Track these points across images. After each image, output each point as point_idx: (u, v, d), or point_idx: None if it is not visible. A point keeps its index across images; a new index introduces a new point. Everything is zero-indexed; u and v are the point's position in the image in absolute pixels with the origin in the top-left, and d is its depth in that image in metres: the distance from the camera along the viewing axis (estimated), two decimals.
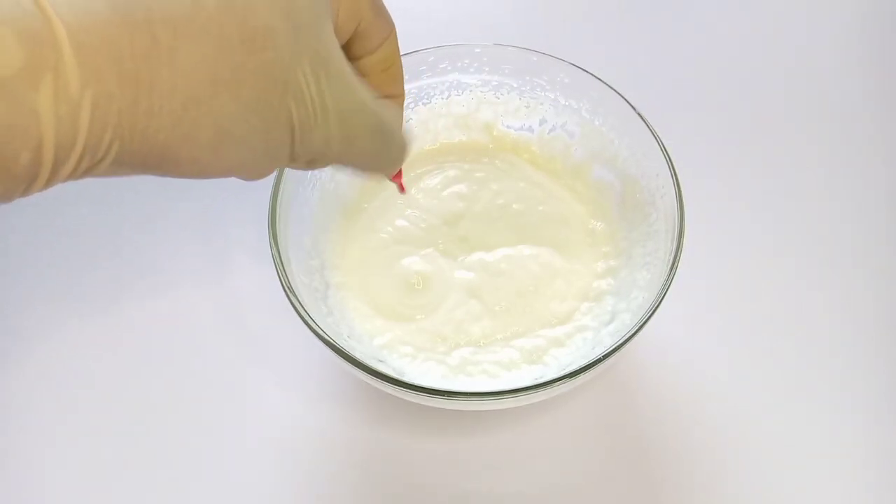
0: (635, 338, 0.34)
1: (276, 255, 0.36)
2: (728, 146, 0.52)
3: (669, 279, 0.35)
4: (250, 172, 0.25)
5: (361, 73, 0.30)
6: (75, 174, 0.20)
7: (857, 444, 0.41)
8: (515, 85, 0.45)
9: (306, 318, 0.34)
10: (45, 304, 0.45)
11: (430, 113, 0.46)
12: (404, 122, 0.34)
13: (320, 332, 0.34)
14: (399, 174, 0.36)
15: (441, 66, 0.45)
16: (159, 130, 0.21)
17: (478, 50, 0.44)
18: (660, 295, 0.35)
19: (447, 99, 0.46)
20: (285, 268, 0.36)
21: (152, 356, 0.43)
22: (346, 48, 0.29)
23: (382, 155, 0.30)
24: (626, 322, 0.37)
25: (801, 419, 0.41)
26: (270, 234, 0.36)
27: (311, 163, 0.26)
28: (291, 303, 0.35)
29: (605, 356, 0.34)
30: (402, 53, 0.43)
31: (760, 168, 0.51)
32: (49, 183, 0.20)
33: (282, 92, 0.23)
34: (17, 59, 0.17)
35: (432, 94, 0.46)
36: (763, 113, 0.54)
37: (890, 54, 0.57)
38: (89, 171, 0.20)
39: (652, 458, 0.40)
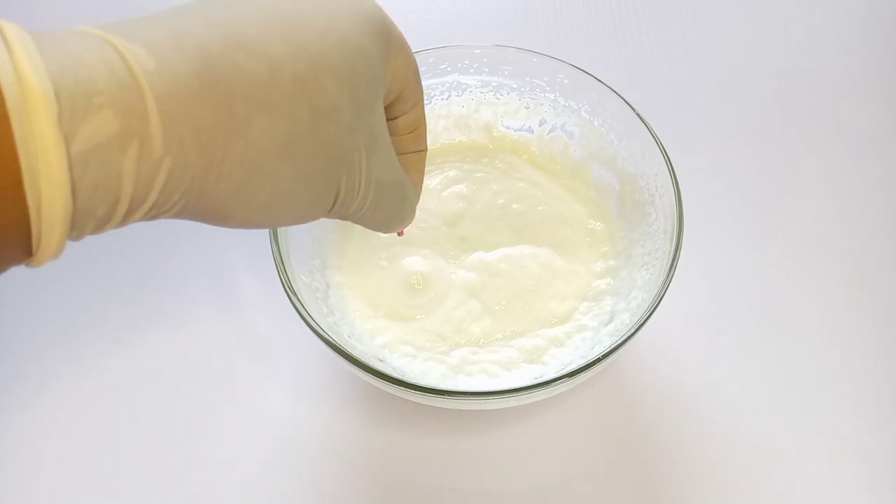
0: (634, 337, 0.34)
1: (277, 254, 0.36)
2: (727, 146, 0.52)
3: (668, 279, 0.35)
4: (288, 225, 0.27)
5: (392, 133, 0.32)
6: (144, 219, 0.22)
7: (858, 444, 0.41)
8: (515, 86, 0.46)
9: (307, 317, 0.35)
10: (46, 306, 0.45)
11: (430, 114, 0.47)
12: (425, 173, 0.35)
13: (321, 331, 0.34)
14: None
15: (441, 66, 0.45)
16: (223, 192, 0.22)
17: (478, 51, 0.44)
18: (659, 295, 0.35)
19: (447, 100, 0.46)
20: (286, 267, 0.36)
21: (152, 356, 0.43)
22: (391, 107, 0.30)
23: (397, 219, 0.32)
24: (626, 322, 0.37)
25: (800, 418, 0.42)
26: (271, 234, 0.36)
27: (334, 215, 0.28)
28: (292, 303, 0.35)
29: (605, 356, 0.34)
30: None
31: (759, 168, 0.51)
32: (118, 226, 0.21)
33: (337, 164, 0.25)
34: (111, 128, 0.19)
35: (432, 94, 0.46)
36: (762, 113, 0.54)
37: (890, 54, 0.57)
38: (153, 219, 0.22)
39: (651, 457, 0.40)
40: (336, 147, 0.24)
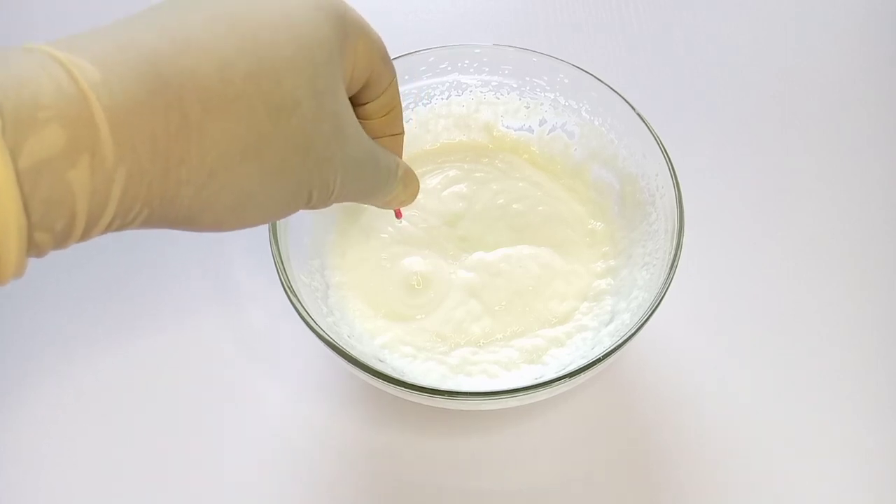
0: (635, 338, 0.34)
1: (277, 254, 0.36)
2: (727, 146, 0.52)
3: (669, 279, 0.35)
4: (266, 222, 0.27)
5: (365, 117, 0.32)
6: (107, 231, 0.22)
7: (858, 444, 0.41)
8: (515, 85, 0.45)
9: (306, 318, 0.35)
10: (46, 306, 0.45)
11: (430, 113, 0.47)
12: (404, 150, 0.36)
13: (320, 331, 0.34)
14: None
15: (441, 66, 0.45)
16: (185, 197, 0.22)
17: (478, 50, 0.44)
18: (659, 295, 0.35)
19: (447, 99, 0.46)
20: (286, 268, 0.36)
21: (152, 356, 0.43)
22: (354, 96, 0.30)
23: (376, 190, 0.32)
24: (626, 322, 0.37)
25: (800, 418, 0.42)
26: (271, 234, 0.36)
27: (313, 207, 0.28)
28: (292, 303, 0.35)
29: (605, 356, 0.34)
30: (402, 54, 0.43)
31: (760, 168, 0.51)
32: (81, 240, 0.21)
33: (303, 157, 0.24)
34: (59, 141, 0.19)
35: (432, 94, 0.46)
36: (763, 113, 0.54)
37: (890, 54, 0.57)
38: (120, 230, 0.22)
39: (651, 457, 0.40)
40: (299, 138, 0.24)
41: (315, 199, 0.26)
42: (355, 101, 0.31)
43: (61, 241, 0.20)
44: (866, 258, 0.47)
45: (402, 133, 0.34)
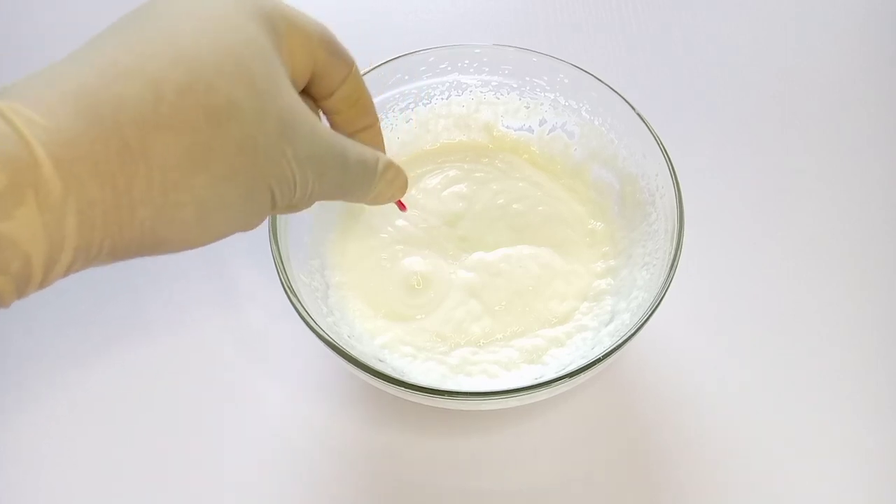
0: (635, 338, 0.34)
1: (277, 254, 0.36)
2: (727, 146, 0.52)
3: (669, 279, 0.35)
4: (239, 230, 0.26)
5: (330, 112, 0.32)
6: (73, 270, 0.22)
7: (858, 444, 0.41)
8: (515, 85, 0.45)
9: (306, 317, 0.35)
10: (46, 306, 0.45)
11: (430, 113, 0.47)
12: (385, 144, 0.35)
13: (320, 331, 0.34)
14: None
15: (441, 66, 0.45)
16: (145, 219, 0.22)
17: (478, 50, 0.44)
18: (659, 295, 0.35)
19: (447, 99, 0.46)
20: (285, 267, 0.36)
21: (151, 356, 0.43)
22: (310, 91, 0.30)
23: (356, 186, 0.31)
24: (626, 322, 0.37)
25: (800, 418, 0.42)
26: (271, 234, 0.36)
27: (293, 207, 0.28)
28: (292, 303, 0.35)
29: (605, 356, 0.34)
30: (402, 54, 0.43)
31: (760, 168, 0.51)
32: (44, 283, 0.21)
33: (252, 158, 0.24)
34: (0, 182, 0.19)
35: (432, 94, 0.46)
36: (763, 113, 0.54)
37: (890, 54, 0.57)
38: (89, 265, 0.22)
39: (651, 457, 0.40)
40: (244, 141, 0.24)
41: (280, 199, 0.26)
42: (314, 96, 0.31)
43: (22, 284, 0.20)
44: (866, 258, 0.47)
45: (374, 124, 0.33)
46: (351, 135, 0.33)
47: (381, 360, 0.39)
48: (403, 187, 0.35)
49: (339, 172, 0.29)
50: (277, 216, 0.37)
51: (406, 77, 0.44)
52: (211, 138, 0.23)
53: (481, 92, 0.46)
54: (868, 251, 0.47)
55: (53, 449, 0.41)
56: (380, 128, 0.34)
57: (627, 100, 0.41)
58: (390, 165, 0.33)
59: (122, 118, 0.21)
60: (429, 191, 0.45)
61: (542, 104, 0.46)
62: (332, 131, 0.29)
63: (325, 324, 0.36)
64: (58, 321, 0.44)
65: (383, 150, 0.34)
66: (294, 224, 0.39)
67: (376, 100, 0.44)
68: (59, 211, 0.20)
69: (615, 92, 0.42)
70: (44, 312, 0.45)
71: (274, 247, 0.36)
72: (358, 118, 0.32)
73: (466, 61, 0.45)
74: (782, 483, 0.40)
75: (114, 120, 0.21)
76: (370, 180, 0.32)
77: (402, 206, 0.39)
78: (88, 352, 0.43)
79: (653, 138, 0.40)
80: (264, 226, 0.37)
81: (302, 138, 0.26)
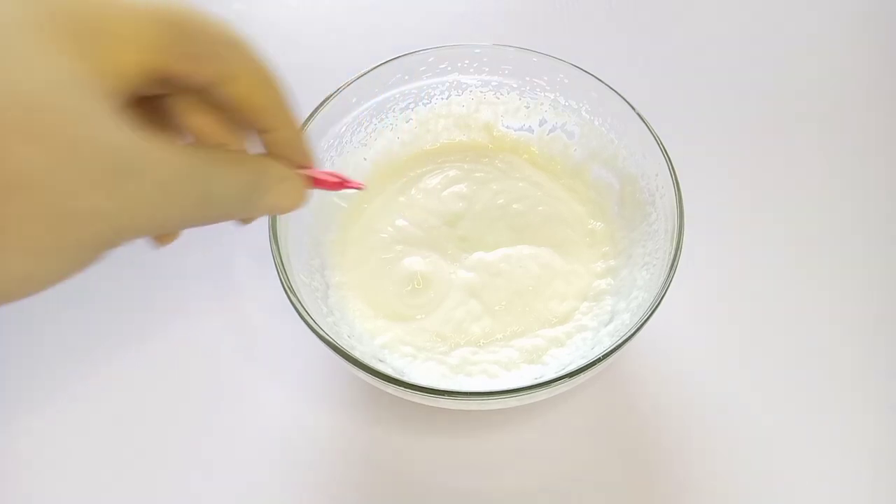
0: (635, 338, 0.34)
1: (277, 254, 0.36)
2: (727, 146, 0.52)
3: (669, 279, 0.35)
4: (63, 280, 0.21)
5: (223, 111, 0.27)
6: None
7: (858, 445, 0.41)
8: (515, 85, 0.45)
9: (306, 317, 0.35)
10: (46, 306, 0.45)
11: (430, 113, 0.47)
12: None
13: (320, 331, 0.34)
14: (341, 182, 0.32)
15: (441, 66, 0.45)
16: None
17: (478, 50, 0.44)
18: (659, 295, 0.35)
19: (447, 99, 0.46)
20: (285, 267, 0.36)
21: (150, 357, 0.43)
22: (172, 81, 0.24)
23: (229, 213, 0.26)
24: (626, 322, 0.37)
25: (800, 419, 0.42)
26: (271, 234, 0.36)
27: (143, 236, 0.23)
28: (292, 302, 0.35)
29: (605, 356, 0.34)
30: (402, 54, 0.43)
31: (760, 168, 0.51)
32: None
33: (63, 228, 0.20)
34: None
35: (432, 94, 0.46)
36: (763, 113, 0.54)
37: (890, 54, 0.57)
38: None
39: (651, 457, 0.40)
40: (53, 210, 0.19)
41: (120, 242, 0.22)
42: (190, 86, 0.25)
43: None
44: (866, 258, 0.47)
45: (276, 131, 0.27)
46: (259, 136, 0.28)
47: (381, 360, 0.39)
48: (297, 196, 0.29)
49: (189, 211, 0.24)
50: (277, 217, 0.37)
51: (406, 77, 0.44)
52: (5, 215, 0.18)
53: (481, 92, 0.46)
54: (868, 251, 0.47)
55: (53, 450, 0.41)
56: (290, 136, 0.28)
57: (627, 100, 0.41)
58: (282, 185, 0.28)
59: None
60: (429, 191, 0.45)
61: (542, 104, 0.46)
62: (191, 159, 0.23)
63: (325, 324, 0.36)
64: (57, 322, 0.44)
65: (292, 162, 0.29)
66: (294, 224, 0.39)
67: (376, 100, 0.44)
68: None
69: (615, 92, 0.42)
70: (44, 313, 0.45)
71: (274, 247, 0.36)
72: (256, 123, 0.27)
73: (466, 61, 0.45)
74: (782, 483, 0.40)
75: None
76: (246, 203, 0.26)
77: (358, 185, 0.33)
78: (87, 352, 0.43)
79: (653, 138, 0.40)
80: (264, 226, 0.37)
81: (133, 184, 0.21)
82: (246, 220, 0.29)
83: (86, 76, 0.20)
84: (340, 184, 0.32)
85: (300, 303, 0.35)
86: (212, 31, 0.24)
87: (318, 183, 0.30)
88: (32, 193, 0.19)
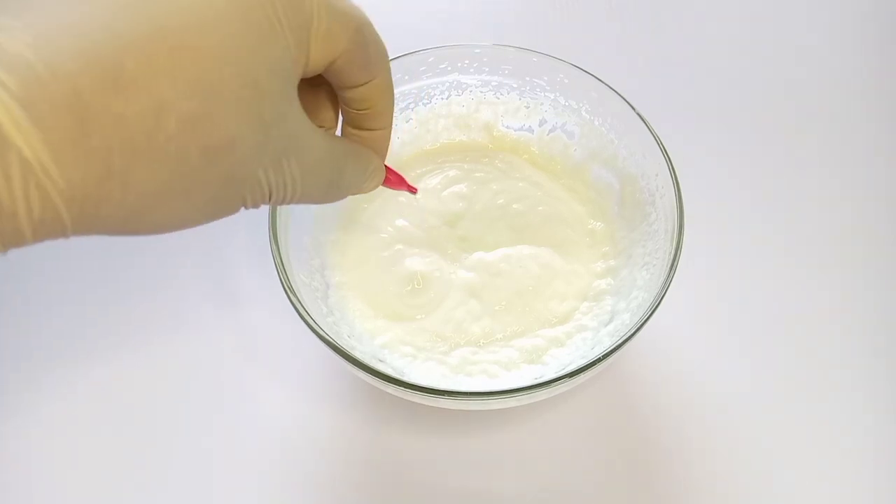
0: (635, 338, 0.34)
1: (277, 254, 0.36)
2: (727, 146, 0.52)
3: (669, 279, 0.35)
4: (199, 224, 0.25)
5: (343, 101, 0.30)
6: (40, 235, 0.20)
7: (858, 445, 0.41)
8: (515, 85, 0.45)
9: (306, 317, 0.34)
10: (47, 305, 0.45)
11: (430, 113, 0.47)
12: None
13: (320, 331, 0.34)
14: (401, 181, 0.36)
15: (441, 66, 0.45)
16: (106, 223, 0.21)
17: (478, 50, 0.44)
18: (659, 295, 0.35)
19: (447, 99, 0.46)
20: (285, 267, 0.36)
21: (152, 356, 0.43)
22: (328, 76, 0.28)
23: (334, 198, 0.30)
24: (626, 322, 0.37)
25: (800, 419, 0.42)
26: (271, 234, 0.36)
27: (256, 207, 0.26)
28: (292, 302, 0.35)
29: (605, 356, 0.34)
30: (402, 54, 0.43)
31: (760, 168, 0.51)
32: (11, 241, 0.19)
33: (237, 188, 0.23)
34: None
35: (432, 94, 0.46)
36: (763, 113, 0.54)
37: (890, 54, 0.57)
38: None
39: (651, 457, 0.40)
40: (235, 174, 0.22)
41: (251, 204, 0.25)
42: (333, 83, 0.29)
43: None
44: (866, 258, 0.47)
45: (384, 129, 0.31)
46: (354, 128, 0.31)
47: (381, 360, 0.39)
48: (379, 183, 0.34)
49: (321, 191, 0.28)
50: (277, 217, 0.37)
51: (406, 77, 0.44)
52: (199, 170, 0.21)
53: (481, 92, 0.46)
54: (868, 251, 0.47)
55: (52, 450, 0.40)
56: (387, 134, 0.32)
57: (627, 100, 0.41)
58: (374, 174, 0.32)
59: (112, 143, 0.19)
60: (429, 191, 0.45)
61: (542, 104, 0.46)
62: (333, 142, 0.28)
63: (325, 324, 0.36)
64: (57, 322, 0.44)
65: (381, 155, 0.33)
66: (294, 224, 0.39)
67: None
68: (19, 229, 0.19)
69: (615, 92, 0.42)
70: (44, 314, 0.45)
71: (274, 247, 0.36)
72: (365, 121, 0.30)
73: (466, 61, 0.45)
74: (782, 483, 0.40)
75: (103, 142, 0.19)
76: (352, 192, 0.31)
77: (412, 189, 0.38)
78: (86, 352, 0.43)
79: (653, 138, 0.40)
80: (264, 226, 0.37)
81: (297, 162, 0.25)
82: (340, 198, 0.31)
83: (293, 58, 0.24)
84: (401, 182, 0.36)
85: (300, 303, 0.35)
86: (377, 40, 0.28)
87: (389, 173, 0.35)
88: (228, 161, 0.22)
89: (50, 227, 0.19)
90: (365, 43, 0.27)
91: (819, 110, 0.54)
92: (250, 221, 0.48)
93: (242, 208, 0.24)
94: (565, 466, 0.40)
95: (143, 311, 0.45)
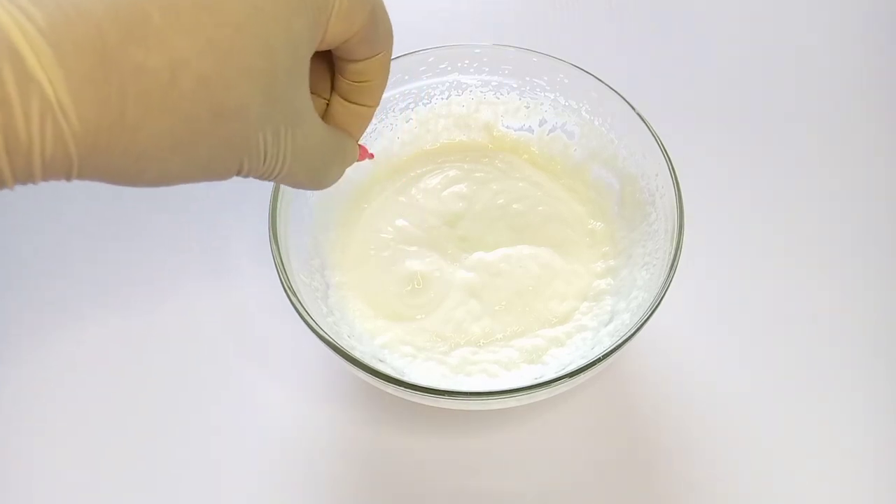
0: (635, 338, 0.34)
1: (277, 254, 0.36)
2: (727, 146, 0.52)
3: (669, 279, 0.35)
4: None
5: (338, 71, 0.30)
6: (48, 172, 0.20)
7: (858, 445, 0.41)
8: (515, 85, 0.45)
9: (306, 317, 0.34)
10: (46, 306, 0.45)
11: (430, 113, 0.47)
12: (367, 131, 0.33)
13: (320, 331, 0.34)
14: (364, 152, 0.35)
15: (441, 66, 0.45)
16: (106, 170, 0.21)
17: (478, 50, 0.44)
18: (659, 295, 0.35)
19: (447, 99, 0.46)
20: (285, 267, 0.36)
21: (152, 357, 0.43)
22: (336, 48, 0.28)
23: (320, 179, 0.30)
24: (626, 322, 0.37)
25: (800, 418, 0.42)
26: (271, 234, 0.36)
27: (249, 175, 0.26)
28: (292, 303, 0.35)
29: (605, 356, 0.34)
30: (402, 54, 0.43)
31: (760, 168, 0.51)
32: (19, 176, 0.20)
33: (237, 151, 0.23)
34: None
35: (432, 94, 0.46)
36: (762, 113, 0.54)
37: (890, 54, 0.57)
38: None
39: (651, 457, 0.40)
40: (237, 138, 0.23)
41: (245, 170, 0.25)
42: (334, 53, 0.29)
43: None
44: (866, 258, 0.47)
45: (371, 106, 0.31)
46: (345, 100, 0.31)
47: (381, 360, 0.39)
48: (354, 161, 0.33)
49: (305, 174, 0.28)
50: (277, 217, 0.37)
51: (406, 77, 0.44)
52: (206, 131, 0.22)
53: (481, 92, 0.46)
54: (868, 251, 0.47)
55: (51, 450, 0.41)
56: (373, 113, 0.32)
57: (627, 100, 0.41)
58: (350, 161, 0.32)
59: (128, 91, 0.20)
60: (429, 191, 0.45)
61: (542, 104, 0.46)
62: (327, 130, 0.28)
63: (325, 324, 0.36)
64: (57, 323, 0.44)
65: (358, 133, 0.32)
66: (294, 224, 0.39)
67: None
68: (27, 153, 0.19)
69: (615, 92, 0.42)
70: (43, 314, 0.45)
71: (274, 247, 0.36)
72: (358, 95, 0.30)
73: (466, 61, 0.45)
74: (782, 483, 0.40)
75: (119, 89, 0.20)
76: (339, 168, 0.31)
77: (370, 155, 0.36)
78: (86, 351, 0.43)
79: (653, 138, 0.40)
80: (265, 226, 0.37)
81: (292, 137, 0.25)
82: (318, 187, 0.31)
83: (311, 35, 0.24)
84: (364, 154, 0.35)
85: (300, 303, 0.35)
86: (385, 18, 0.28)
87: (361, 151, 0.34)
88: (236, 125, 0.22)
89: (58, 167, 0.20)
90: (376, 21, 0.27)
91: (819, 110, 0.54)
92: (251, 220, 0.48)
93: (236, 175, 0.25)
94: (565, 466, 0.40)
95: (142, 310, 0.45)
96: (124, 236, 0.48)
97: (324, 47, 0.27)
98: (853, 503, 0.39)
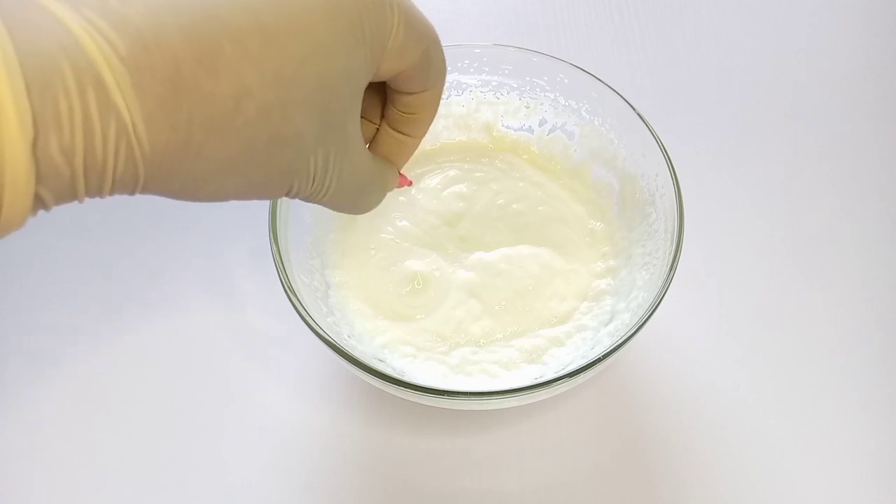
0: (635, 338, 0.34)
1: (277, 254, 0.36)
2: (727, 146, 0.52)
3: (669, 279, 0.35)
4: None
5: (393, 104, 0.31)
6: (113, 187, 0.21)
7: (859, 445, 0.41)
8: (515, 85, 0.45)
9: (306, 317, 0.35)
10: (46, 305, 0.45)
11: None
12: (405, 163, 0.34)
13: (320, 331, 0.34)
14: (404, 180, 0.36)
15: None
16: (166, 188, 0.22)
17: (477, 50, 0.44)
18: (659, 295, 0.35)
19: (447, 99, 0.46)
20: (285, 267, 0.36)
21: (152, 357, 0.43)
22: (389, 79, 0.29)
23: (360, 206, 0.31)
24: (626, 322, 0.37)
25: (800, 418, 0.42)
26: (271, 234, 0.36)
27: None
28: (292, 302, 0.35)
29: (605, 356, 0.34)
30: None
31: (760, 168, 0.51)
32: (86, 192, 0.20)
33: (290, 175, 0.25)
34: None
35: None
36: (762, 113, 0.54)
37: (890, 54, 0.57)
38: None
39: (651, 457, 0.40)
40: (291, 163, 0.24)
41: (294, 192, 0.26)
42: (391, 84, 0.30)
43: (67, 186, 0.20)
44: (866, 258, 0.47)
45: (417, 138, 0.32)
46: (392, 129, 0.32)
47: (381, 360, 0.39)
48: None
49: (352, 198, 0.29)
50: (277, 217, 0.37)
51: None
52: (262, 156, 0.23)
53: (481, 92, 0.46)
54: (868, 251, 0.47)
55: (51, 450, 0.41)
56: (418, 143, 0.33)
57: (627, 100, 0.41)
58: (395, 177, 0.33)
59: (195, 117, 0.21)
60: (429, 191, 0.45)
61: (542, 104, 0.46)
62: (372, 159, 0.29)
63: (325, 324, 0.36)
64: (57, 324, 0.44)
65: (401, 162, 0.33)
66: (294, 224, 0.39)
67: None
68: (102, 173, 0.20)
69: (615, 92, 0.42)
70: (43, 314, 0.45)
71: (274, 247, 0.36)
72: (406, 126, 0.31)
73: (466, 61, 0.45)
74: (782, 483, 0.40)
75: (188, 115, 0.21)
76: (378, 197, 0.32)
77: (409, 182, 0.37)
78: (85, 351, 0.43)
79: (653, 138, 0.40)
80: (264, 226, 0.37)
81: (340, 166, 0.26)
82: (357, 212, 0.32)
83: (367, 69, 0.25)
84: (403, 181, 0.36)
85: (300, 303, 0.35)
86: (440, 57, 0.30)
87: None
88: (290, 153, 0.24)
89: (126, 184, 0.21)
90: (429, 59, 0.29)
91: (819, 110, 0.54)
92: (251, 220, 0.48)
93: (285, 196, 0.26)
94: (565, 466, 0.40)
95: (143, 311, 0.45)
96: (124, 236, 0.47)
97: (377, 79, 0.28)
98: (853, 503, 0.39)
